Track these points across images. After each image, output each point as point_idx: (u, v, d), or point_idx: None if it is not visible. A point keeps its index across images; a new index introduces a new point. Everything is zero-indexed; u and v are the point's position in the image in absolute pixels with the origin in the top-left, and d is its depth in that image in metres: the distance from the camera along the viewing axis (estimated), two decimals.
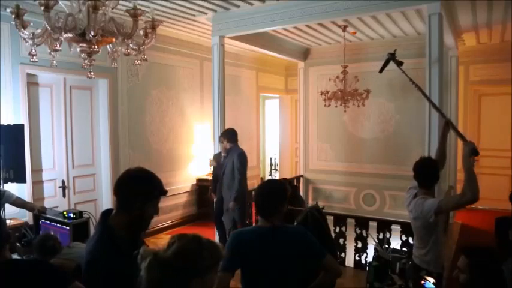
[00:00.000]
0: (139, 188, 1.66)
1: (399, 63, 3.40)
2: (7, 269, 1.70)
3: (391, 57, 3.41)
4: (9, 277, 1.62)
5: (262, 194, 2.14)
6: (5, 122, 4.11)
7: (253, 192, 2.47)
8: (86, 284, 1.65)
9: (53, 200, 5.02)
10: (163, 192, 1.71)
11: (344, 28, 6.24)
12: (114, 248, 1.58)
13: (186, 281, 1.19)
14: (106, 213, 1.70)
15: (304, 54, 8.02)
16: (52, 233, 2.91)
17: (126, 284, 1.47)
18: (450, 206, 2.89)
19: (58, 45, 2.21)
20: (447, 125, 3.14)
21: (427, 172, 2.82)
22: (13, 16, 2.15)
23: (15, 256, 2.94)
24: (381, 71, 3.57)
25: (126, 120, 5.86)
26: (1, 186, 3.65)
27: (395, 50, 3.48)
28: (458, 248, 5.33)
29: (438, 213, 2.66)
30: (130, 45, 2.31)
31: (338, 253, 4.73)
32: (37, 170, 4.87)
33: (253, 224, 4.78)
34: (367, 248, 4.84)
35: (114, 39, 2.30)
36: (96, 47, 2.19)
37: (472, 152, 2.63)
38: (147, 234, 1.75)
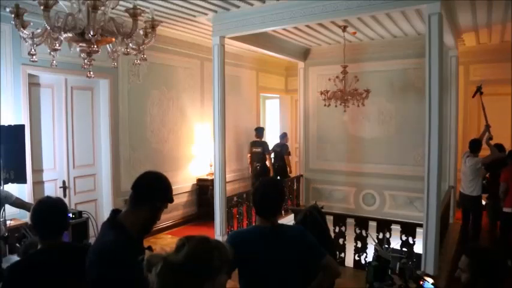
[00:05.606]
0: (154, 192, 1.74)
1: (481, 93, 5.90)
2: (64, 250, 1.99)
3: (479, 88, 5.91)
4: (65, 258, 1.92)
5: (262, 193, 2.12)
6: (5, 123, 4.11)
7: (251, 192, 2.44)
8: (99, 274, 1.65)
9: None
10: (171, 200, 1.80)
11: (344, 28, 6.24)
12: (127, 238, 1.66)
13: (199, 283, 1.18)
14: (115, 212, 1.78)
15: (304, 54, 8.03)
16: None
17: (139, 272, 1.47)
18: (487, 160, 5.42)
19: (58, 45, 2.21)
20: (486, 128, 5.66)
21: (474, 144, 5.52)
22: (13, 16, 2.15)
23: (14, 257, 2.94)
24: (473, 96, 6.09)
25: (126, 120, 5.87)
26: (1, 187, 3.65)
27: (482, 83, 6.03)
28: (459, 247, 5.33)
29: (482, 164, 5.41)
30: (130, 44, 2.31)
31: (338, 253, 4.73)
32: (38, 171, 4.88)
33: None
34: (367, 248, 4.83)
35: (113, 39, 2.30)
36: (95, 46, 2.20)
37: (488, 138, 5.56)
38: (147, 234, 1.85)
